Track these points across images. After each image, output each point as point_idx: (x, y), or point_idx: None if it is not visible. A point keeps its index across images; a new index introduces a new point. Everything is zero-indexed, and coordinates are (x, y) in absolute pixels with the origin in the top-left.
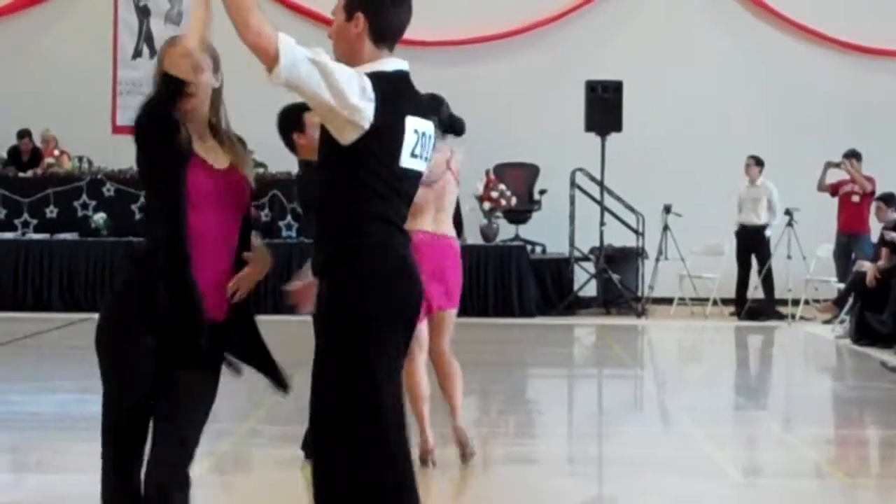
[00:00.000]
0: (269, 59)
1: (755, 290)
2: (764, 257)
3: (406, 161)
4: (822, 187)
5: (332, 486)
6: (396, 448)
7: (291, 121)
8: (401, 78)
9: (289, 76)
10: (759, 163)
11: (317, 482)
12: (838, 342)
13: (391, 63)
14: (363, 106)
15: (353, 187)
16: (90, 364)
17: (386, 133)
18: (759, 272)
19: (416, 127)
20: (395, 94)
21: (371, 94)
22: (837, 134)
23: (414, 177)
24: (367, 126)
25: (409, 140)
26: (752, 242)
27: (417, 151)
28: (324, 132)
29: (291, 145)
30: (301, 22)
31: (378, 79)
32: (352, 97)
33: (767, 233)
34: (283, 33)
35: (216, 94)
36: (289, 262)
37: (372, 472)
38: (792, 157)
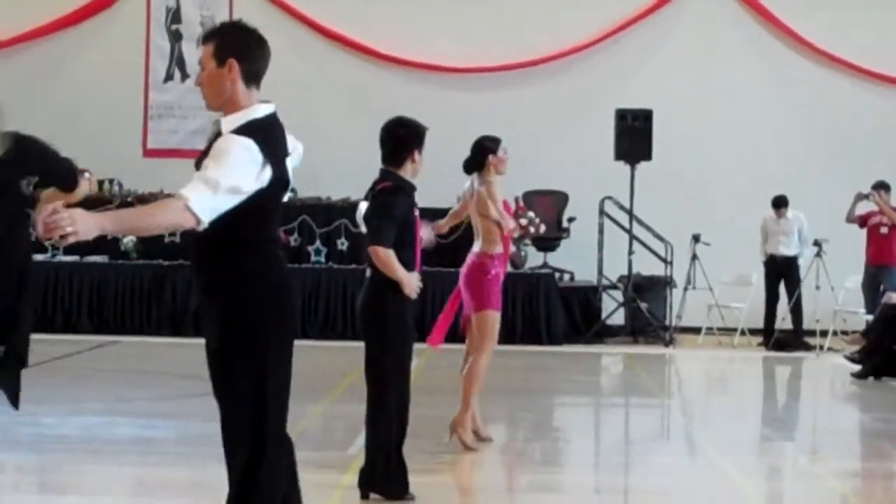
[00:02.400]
0: (196, 224)
1: (783, 321)
2: (794, 287)
3: (286, 196)
4: (850, 219)
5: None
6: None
7: (418, 137)
8: (273, 121)
9: (213, 217)
10: (785, 203)
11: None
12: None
13: (262, 108)
14: (265, 177)
15: (249, 223)
16: (118, 386)
17: (274, 181)
18: (789, 302)
19: (293, 165)
20: (273, 143)
21: (261, 160)
22: (867, 165)
23: (282, 204)
24: (266, 184)
25: (289, 178)
26: (782, 273)
27: (292, 183)
28: None
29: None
30: (294, 25)
31: (258, 132)
32: (256, 182)
33: (800, 262)
34: (185, 191)
35: None
36: (317, 286)
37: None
38: (821, 187)
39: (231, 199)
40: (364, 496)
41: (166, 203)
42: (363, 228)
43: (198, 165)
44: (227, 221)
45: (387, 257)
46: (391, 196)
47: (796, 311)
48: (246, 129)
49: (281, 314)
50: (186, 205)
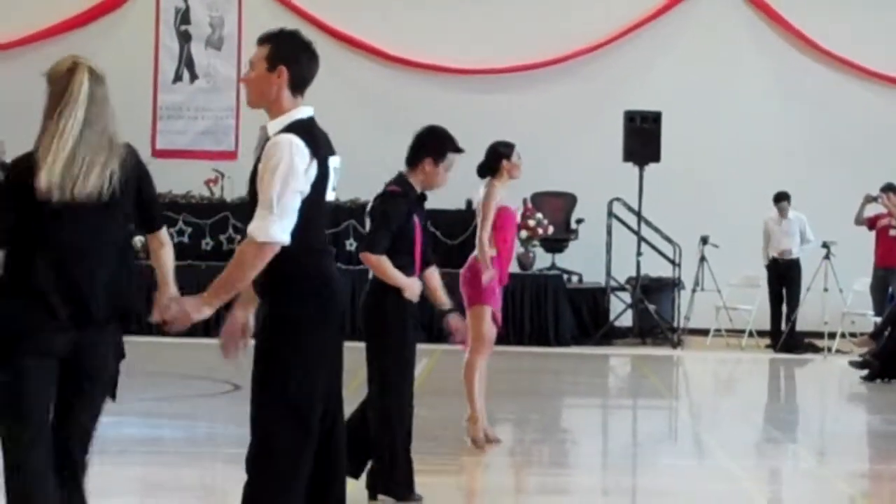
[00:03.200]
0: (279, 247)
1: (792, 323)
2: (796, 290)
3: (329, 195)
4: (859, 221)
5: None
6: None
7: (436, 147)
8: (314, 123)
9: (291, 228)
10: (786, 197)
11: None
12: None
13: (304, 111)
14: (312, 173)
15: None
16: (126, 386)
17: (319, 179)
18: (789, 304)
19: (334, 165)
20: (316, 141)
21: (308, 155)
22: (876, 167)
23: (331, 207)
24: (313, 180)
25: (331, 178)
26: (784, 275)
27: (335, 185)
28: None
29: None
30: (303, 26)
31: (301, 131)
32: (306, 178)
33: (800, 262)
34: (253, 229)
35: None
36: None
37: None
38: (830, 189)
39: (295, 201)
40: (372, 497)
41: (243, 253)
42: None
43: (253, 175)
44: None
45: (378, 263)
46: (390, 203)
47: (791, 313)
48: (290, 129)
49: (324, 313)
50: (259, 243)
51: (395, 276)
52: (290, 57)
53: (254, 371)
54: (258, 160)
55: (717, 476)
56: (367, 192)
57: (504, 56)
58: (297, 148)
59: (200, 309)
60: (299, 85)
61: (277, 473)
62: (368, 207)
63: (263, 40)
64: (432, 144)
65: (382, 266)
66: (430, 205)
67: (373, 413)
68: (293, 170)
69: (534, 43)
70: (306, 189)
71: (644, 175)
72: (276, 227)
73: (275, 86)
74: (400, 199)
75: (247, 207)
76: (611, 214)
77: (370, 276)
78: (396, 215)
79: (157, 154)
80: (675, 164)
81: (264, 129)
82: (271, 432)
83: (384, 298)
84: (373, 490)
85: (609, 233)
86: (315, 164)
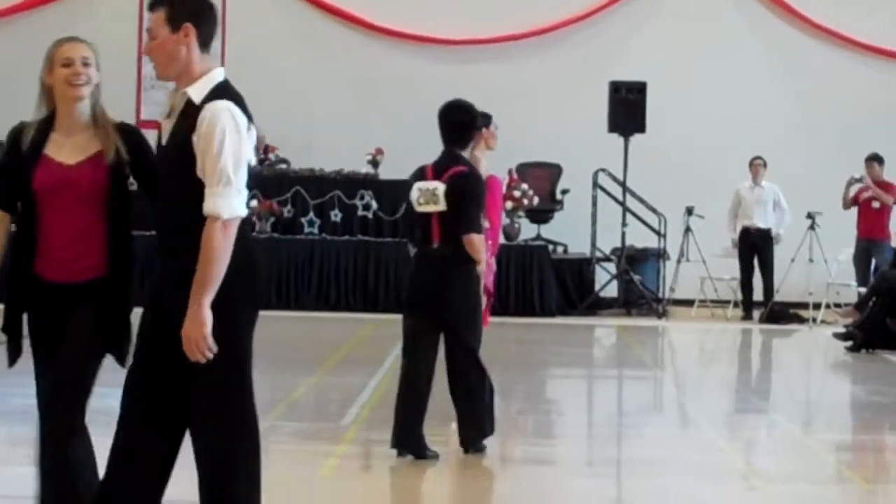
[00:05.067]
0: (231, 222)
1: (777, 294)
2: (768, 260)
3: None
4: (847, 204)
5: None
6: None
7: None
8: (230, 84)
9: (241, 200)
10: (764, 164)
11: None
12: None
13: (220, 72)
14: (252, 135)
15: None
16: (110, 357)
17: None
18: (763, 274)
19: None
20: (244, 105)
21: (245, 120)
22: (861, 137)
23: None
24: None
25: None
26: (756, 245)
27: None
28: (188, 159)
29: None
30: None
31: (232, 97)
32: (250, 143)
33: (780, 232)
34: (212, 209)
35: (96, 88)
36: (311, 257)
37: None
38: (814, 160)
39: (244, 172)
40: (468, 451)
41: (212, 239)
42: (421, 208)
43: (181, 146)
44: (194, 195)
45: (480, 243)
46: (477, 183)
47: (769, 284)
48: (218, 94)
49: (253, 296)
50: (225, 220)
51: (484, 253)
52: (193, 12)
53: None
54: (183, 129)
55: (701, 446)
56: (351, 162)
57: (488, 26)
58: (238, 115)
59: (202, 321)
60: (207, 42)
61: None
62: (428, 192)
63: (156, 4)
64: (474, 117)
65: (482, 245)
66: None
67: (470, 374)
68: (241, 139)
69: (518, 13)
70: (252, 158)
71: (629, 146)
72: (237, 200)
73: (184, 47)
74: (480, 177)
75: (165, 180)
76: (596, 185)
77: (439, 251)
78: (482, 192)
79: (142, 124)
80: (660, 134)
81: (183, 95)
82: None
83: (469, 271)
84: (467, 444)
85: (594, 204)
86: (253, 130)
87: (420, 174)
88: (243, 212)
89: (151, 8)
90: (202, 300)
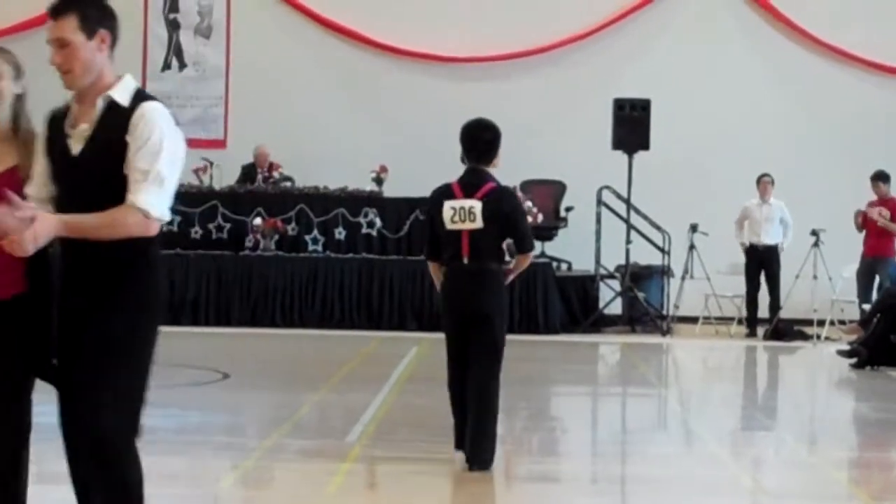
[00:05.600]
0: (156, 223)
1: (782, 311)
2: (775, 276)
3: None
4: (860, 228)
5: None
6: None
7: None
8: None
9: (168, 205)
10: (772, 181)
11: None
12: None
13: (131, 77)
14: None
15: None
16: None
17: None
18: (770, 291)
19: None
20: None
21: (174, 122)
22: (865, 153)
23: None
24: None
25: None
26: (763, 261)
27: None
28: (119, 162)
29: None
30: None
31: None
32: (183, 145)
33: (783, 248)
34: (140, 201)
35: (18, 100)
36: (315, 275)
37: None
38: (819, 176)
39: (176, 179)
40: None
41: (125, 215)
42: (453, 226)
43: (116, 147)
44: (120, 199)
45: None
46: (515, 197)
47: (775, 300)
48: (145, 95)
49: (158, 302)
50: (147, 215)
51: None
52: (105, 18)
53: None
54: (111, 132)
55: (706, 463)
56: (357, 180)
57: (492, 44)
58: (168, 118)
59: (48, 228)
60: (114, 48)
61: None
62: (460, 211)
63: (64, 10)
64: (499, 135)
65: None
66: (418, 193)
67: (492, 386)
68: (178, 144)
69: (523, 30)
70: (183, 157)
71: (633, 163)
72: (166, 204)
73: (100, 54)
74: (515, 193)
75: (83, 186)
76: (600, 202)
77: (477, 267)
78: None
79: None
80: (664, 151)
81: (105, 99)
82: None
83: (501, 284)
84: (480, 461)
85: (598, 221)
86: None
87: (447, 193)
88: (167, 217)
89: (56, 15)
90: (69, 224)
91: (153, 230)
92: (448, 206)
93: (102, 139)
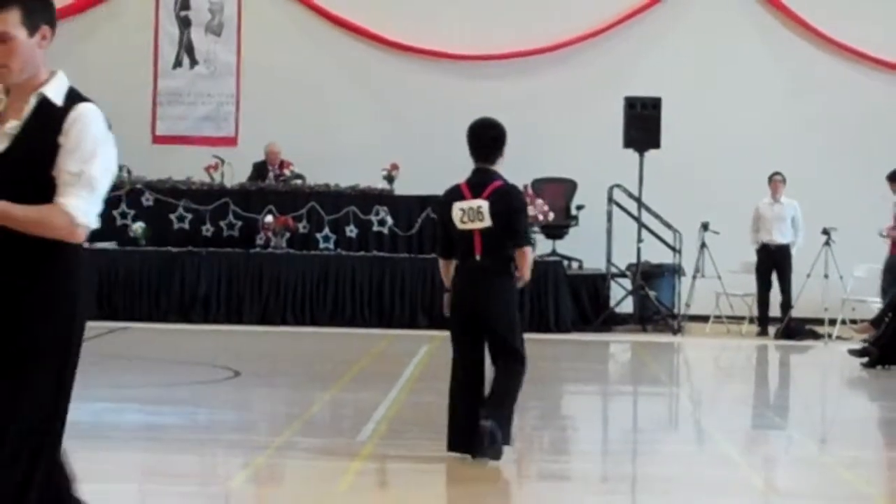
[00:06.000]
0: (82, 230)
1: (793, 310)
2: (787, 275)
3: None
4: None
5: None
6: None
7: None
8: None
9: (97, 213)
10: (784, 180)
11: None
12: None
13: (63, 74)
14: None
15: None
16: (127, 373)
17: None
18: (782, 290)
19: None
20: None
21: (107, 123)
22: (877, 152)
23: None
24: None
25: None
26: (775, 260)
27: None
28: (48, 162)
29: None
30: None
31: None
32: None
33: (793, 251)
34: (70, 205)
35: None
36: (326, 273)
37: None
38: (830, 175)
39: (108, 186)
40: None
41: (53, 214)
42: (464, 226)
43: (44, 146)
44: (47, 199)
45: (531, 256)
46: (518, 195)
47: (787, 300)
48: (79, 96)
49: (85, 311)
50: (73, 221)
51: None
52: (46, 13)
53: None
54: (42, 130)
55: (716, 462)
56: (368, 178)
57: (503, 42)
58: (102, 119)
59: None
60: (49, 43)
61: None
62: (471, 210)
63: (6, 4)
64: (504, 133)
65: (531, 257)
66: (428, 191)
67: (515, 377)
68: (112, 150)
69: (533, 29)
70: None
71: (644, 161)
72: (95, 211)
73: (40, 50)
74: (519, 191)
75: (18, 177)
76: (611, 201)
77: (487, 265)
78: (526, 206)
79: (158, 140)
80: (674, 150)
81: (38, 96)
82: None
83: (510, 281)
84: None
85: (609, 219)
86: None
87: (456, 194)
88: (94, 225)
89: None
90: (7, 212)
91: (78, 237)
92: (457, 208)
93: (32, 138)
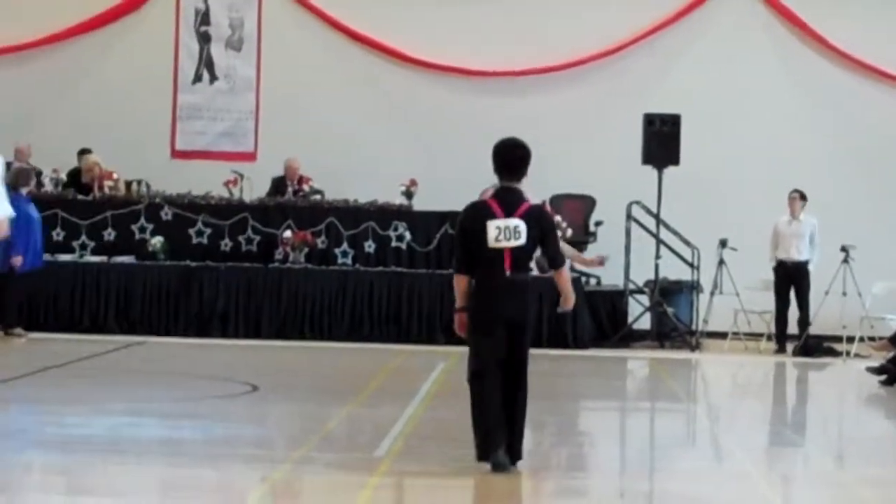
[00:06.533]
0: None
1: (811, 327)
2: (804, 292)
3: None
4: None
5: None
6: None
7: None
8: None
9: None
10: (803, 197)
11: None
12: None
13: None
14: None
15: None
16: (144, 387)
17: None
18: (800, 307)
19: None
20: None
21: None
22: (895, 170)
23: None
24: None
25: None
26: (792, 278)
27: None
28: None
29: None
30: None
31: None
32: None
33: (810, 268)
34: None
35: None
36: (344, 288)
37: None
38: (848, 192)
39: None
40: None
41: None
42: (498, 244)
43: None
44: None
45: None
46: (549, 215)
47: (805, 317)
48: None
49: None
50: None
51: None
52: None
53: None
54: None
55: (734, 479)
56: (384, 194)
57: (523, 58)
58: None
59: None
60: None
61: None
62: (521, 226)
63: None
64: (530, 152)
65: (569, 276)
66: (445, 207)
67: (526, 389)
68: None
69: (552, 45)
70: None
71: (663, 178)
72: None
73: None
74: (548, 210)
75: None
76: (629, 217)
77: (513, 278)
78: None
79: (177, 155)
80: (693, 167)
81: None
82: None
83: (533, 297)
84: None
85: (628, 235)
86: None
87: (488, 212)
88: None
89: None
90: None
91: None
92: (493, 226)
93: None
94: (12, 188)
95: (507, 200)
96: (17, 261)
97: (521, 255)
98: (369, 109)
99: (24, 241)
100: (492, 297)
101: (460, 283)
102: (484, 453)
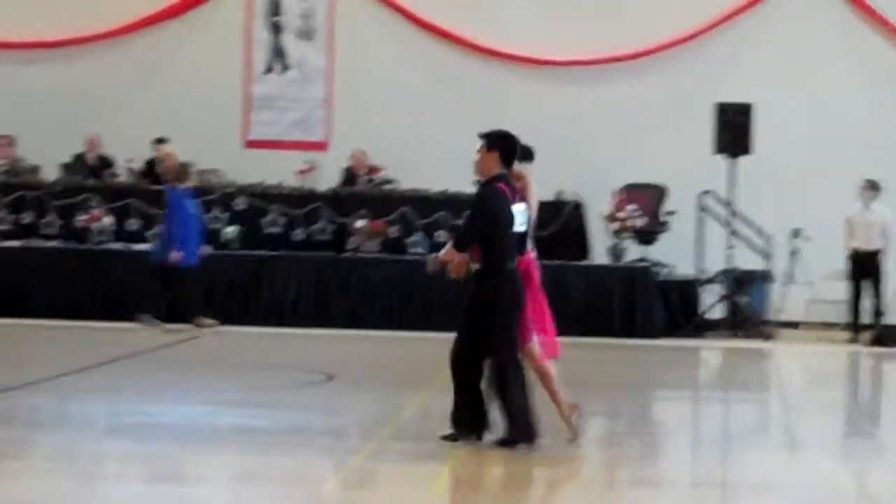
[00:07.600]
0: None
1: (885, 317)
2: (878, 282)
3: None
4: None
5: None
6: None
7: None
8: None
9: None
10: (874, 187)
11: None
12: None
13: None
14: None
15: None
16: (219, 376)
17: None
18: (874, 296)
19: None
20: None
21: None
22: None
23: None
24: None
25: None
26: (865, 267)
27: None
28: None
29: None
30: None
31: None
32: None
33: (884, 257)
34: None
35: None
36: (415, 277)
37: None
38: None
39: None
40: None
41: None
42: (519, 228)
43: None
44: None
45: None
46: None
47: (878, 306)
48: None
49: None
50: None
51: None
52: None
53: None
54: None
55: (807, 470)
56: (459, 183)
57: (593, 48)
58: None
59: None
60: None
61: None
62: (523, 211)
63: None
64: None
65: None
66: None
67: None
68: None
69: (624, 34)
70: None
71: (735, 167)
72: None
73: None
74: None
75: None
76: (701, 207)
77: (516, 267)
78: None
79: (250, 145)
80: (766, 156)
81: None
82: None
83: None
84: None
85: (699, 225)
86: None
87: (507, 198)
88: None
89: None
90: None
91: None
92: (518, 211)
93: None
94: (171, 183)
95: (511, 187)
96: (177, 256)
97: (519, 240)
98: (442, 99)
99: (182, 235)
100: (518, 279)
101: (462, 259)
102: (534, 432)
